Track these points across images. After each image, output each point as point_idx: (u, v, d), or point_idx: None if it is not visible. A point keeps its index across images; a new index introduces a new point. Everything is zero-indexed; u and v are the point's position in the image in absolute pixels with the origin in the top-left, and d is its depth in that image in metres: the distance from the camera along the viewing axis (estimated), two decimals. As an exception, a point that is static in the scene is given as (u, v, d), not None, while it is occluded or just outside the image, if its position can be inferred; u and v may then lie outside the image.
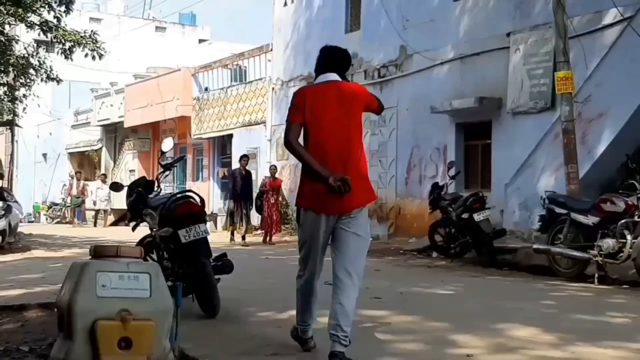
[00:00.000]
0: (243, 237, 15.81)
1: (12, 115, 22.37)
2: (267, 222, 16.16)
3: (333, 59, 4.63)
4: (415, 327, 5.57)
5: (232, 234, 16.17)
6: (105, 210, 26.08)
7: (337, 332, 4.20)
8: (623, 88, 10.72)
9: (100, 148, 30.56)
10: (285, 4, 19.56)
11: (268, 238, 16.19)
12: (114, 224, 26.10)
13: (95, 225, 25.49)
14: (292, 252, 12.71)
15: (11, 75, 18.43)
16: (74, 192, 26.02)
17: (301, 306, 4.64)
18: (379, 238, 15.43)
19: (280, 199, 16.79)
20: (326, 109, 4.38)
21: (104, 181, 25.77)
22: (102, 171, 29.33)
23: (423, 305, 6.69)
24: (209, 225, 15.28)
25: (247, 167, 16.44)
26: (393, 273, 9.89)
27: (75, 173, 27.73)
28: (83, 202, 26.01)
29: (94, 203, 25.82)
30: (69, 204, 30.83)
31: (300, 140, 4.45)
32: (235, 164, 18.19)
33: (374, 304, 6.60)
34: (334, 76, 4.53)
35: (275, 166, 17.46)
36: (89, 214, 26.81)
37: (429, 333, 5.30)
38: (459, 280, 8.91)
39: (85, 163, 33.24)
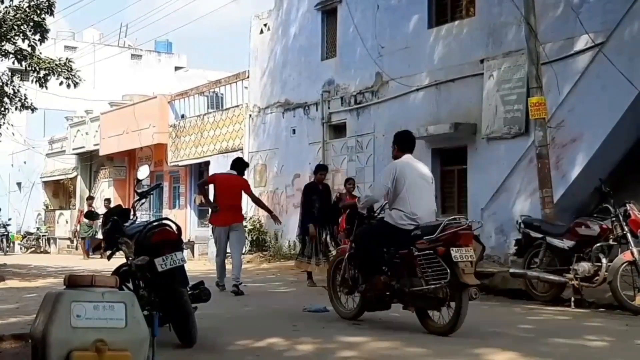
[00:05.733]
0: (310, 276, 11.66)
1: (-14, 144, 22.03)
2: None
3: (234, 165, 10.70)
4: (394, 353, 5.55)
5: (310, 275, 11.66)
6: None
7: (237, 280, 10.05)
8: (595, 113, 10.88)
9: (76, 176, 30.24)
10: (262, 32, 19.65)
11: None
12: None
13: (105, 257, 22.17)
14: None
15: (-15, 104, 18.23)
16: (86, 219, 22.85)
17: (220, 272, 10.44)
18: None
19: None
20: (223, 183, 10.48)
21: (107, 207, 20.93)
22: (77, 201, 28.42)
23: (402, 331, 6.67)
24: (186, 253, 14.95)
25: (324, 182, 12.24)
26: (371, 299, 9.84)
27: (87, 199, 24.77)
28: (97, 232, 22.31)
29: (95, 233, 22.65)
30: (43, 233, 30.48)
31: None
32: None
33: (352, 330, 6.58)
34: (234, 172, 10.61)
35: (354, 180, 12.98)
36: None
37: (408, 359, 5.28)
38: (437, 306, 8.88)
39: (60, 192, 32.91)
